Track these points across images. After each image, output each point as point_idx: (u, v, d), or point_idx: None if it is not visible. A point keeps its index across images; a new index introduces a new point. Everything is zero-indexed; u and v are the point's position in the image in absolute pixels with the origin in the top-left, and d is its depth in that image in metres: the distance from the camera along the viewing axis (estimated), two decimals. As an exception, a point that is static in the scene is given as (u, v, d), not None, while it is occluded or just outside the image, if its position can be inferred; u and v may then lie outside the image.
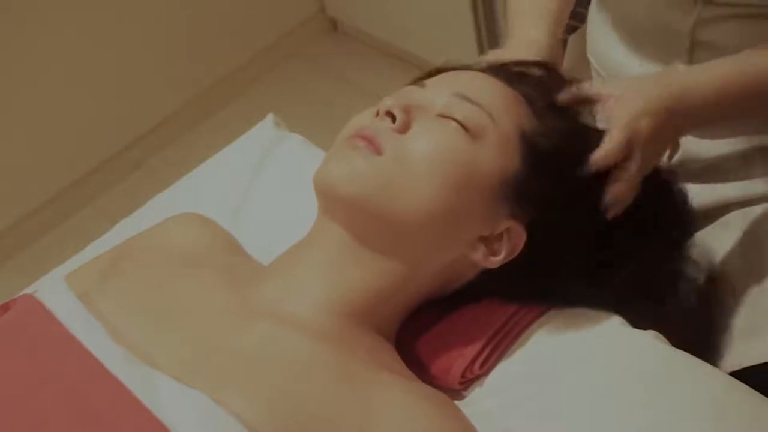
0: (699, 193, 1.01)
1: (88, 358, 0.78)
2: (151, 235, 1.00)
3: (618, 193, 0.86)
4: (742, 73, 0.88)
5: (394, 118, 0.85)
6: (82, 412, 0.74)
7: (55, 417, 0.74)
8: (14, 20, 2.14)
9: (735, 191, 1.01)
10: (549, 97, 0.92)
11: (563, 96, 0.90)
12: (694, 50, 0.94)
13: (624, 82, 0.90)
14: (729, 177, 1.01)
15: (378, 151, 0.83)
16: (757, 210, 0.99)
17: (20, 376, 0.78)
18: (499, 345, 0.90)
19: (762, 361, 0.94)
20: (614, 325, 0.91)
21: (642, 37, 1.00)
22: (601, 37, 1.08)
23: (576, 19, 2.02)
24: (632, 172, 0.85)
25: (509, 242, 0.86)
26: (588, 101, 0.89)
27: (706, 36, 0.93)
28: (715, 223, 1.01)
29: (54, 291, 0.87)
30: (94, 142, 2.40)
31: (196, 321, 0.83)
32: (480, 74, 0.93)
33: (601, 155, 0.85)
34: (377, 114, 0.87)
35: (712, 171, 1.02)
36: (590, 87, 0.89)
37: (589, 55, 1.14)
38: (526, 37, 1.04)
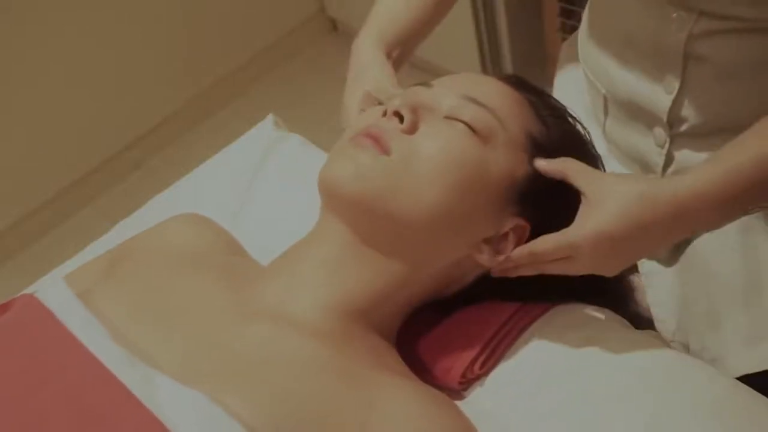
0: None
1: (88, 358, 0.78)
2: (150, 235, 1.00)
3: (517, 269, 0.86)
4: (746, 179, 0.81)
5: (401, 119, 0.85)
6: (82, 412, 0.74)
7: (55, 417, 0.74)
8: (14, 20, 2.14)
9: None
10: (552, 102, 0.92)
11: (544, 165, 0.86)
12: (688, 64, 0.94)
13: (607, 184, 0.82)
14: None
15: (385, 151, 0.83)
16: (753, 220, 0.99)
17: (20, 376, 0.78)
18: (500, 345, 0.90)
19: (762, 368, 0.94)
20: (614, 325, 0.91)
21: (634, 50, 0.99)
22: (593, 47, 1.08)
23: (575, 19, 2.03)
24: (550, 268, 0.85)
25: (514, 240, 0.86)
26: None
27: (699, 50, 0.92)
28: (710, 235, 1.01)
29: (53, 291, 0.87)
30: (94, 142, 2.40)
31: (196, 321, 0.83)
32: (486, 77, 0.93)
33: (521, 253, 0.84)
34: (384, 114, 0.87)
35: None
36: (575, 174, 0.85)
37: (581, 62, 1.14)
38: (364, 59, 1.03)
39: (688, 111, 0.95)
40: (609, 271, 0.85)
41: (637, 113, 1.00)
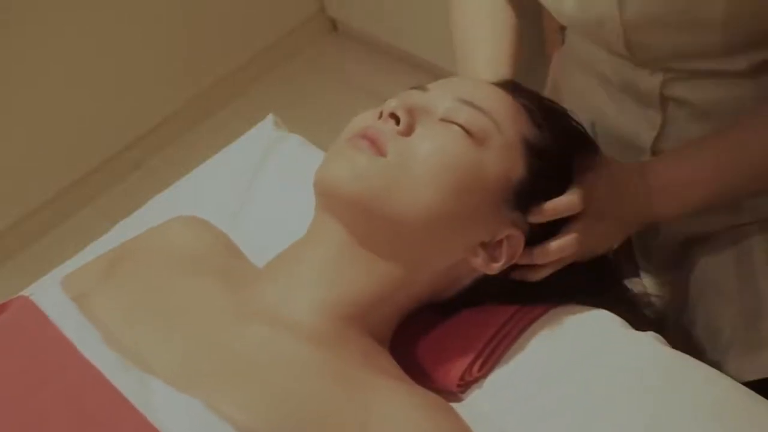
0: (687, 224, 1.01)
1: (83, 362, 0.78)
2: (149, 237, 1.00)
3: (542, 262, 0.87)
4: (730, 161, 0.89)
5: (397, 120, 0.85)
6: (82, 413, 0.74)
7: (55, 417, 0.74)
8: (14, 20, 2.14)
9: (723, 219, 1.01)
10: (547, 107, 0.92)
11: None
12: (667, 105, 0.95)
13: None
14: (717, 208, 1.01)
15: (381, 152, 0.83)
16: (748, 229, 0.99)
17: (20, 376, 0.78)
18: (498, 347, 0.89)
19: (761, 376, 0.94)
20: (614, 326, 0.91)
21: (614, 90, 1.00)
22: (576, 81, 1.09)
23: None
24: (571, 243, 0.86)
25: (509, 249, 0.86)
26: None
27: (676, 93, 0.93)
28: (706, 244, 1.01)
29: (48, 294, 0.87)
30: (94, 142, 2.40)
31: (193, 323, 0.83)
32: (482, 81, 0.93)
33: (559, 204, 0.86)
34: (380, 115, 0.87)
35: None
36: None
37: (566, 89, 1.14)
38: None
39: (670, 145, 0.96)
40: (605, 235, 0.90)
41: (623, 144, 1.01)
